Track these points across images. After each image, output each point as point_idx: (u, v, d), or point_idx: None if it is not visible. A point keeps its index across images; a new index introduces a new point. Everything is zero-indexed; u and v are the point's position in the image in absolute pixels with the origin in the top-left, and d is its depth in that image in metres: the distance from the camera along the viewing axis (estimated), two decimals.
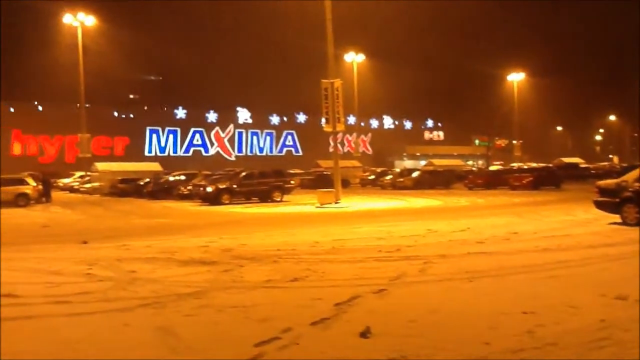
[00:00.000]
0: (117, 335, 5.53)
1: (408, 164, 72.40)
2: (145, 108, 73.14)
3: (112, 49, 53.61)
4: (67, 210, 25.69)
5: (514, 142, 68.40)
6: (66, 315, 6.32)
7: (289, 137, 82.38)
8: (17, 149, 63.82)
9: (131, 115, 72.14)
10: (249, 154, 78.32)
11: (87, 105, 48.47)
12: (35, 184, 29.47)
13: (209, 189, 26.75)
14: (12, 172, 35.87)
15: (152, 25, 73.24)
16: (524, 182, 34.02)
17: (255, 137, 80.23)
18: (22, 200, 27.75)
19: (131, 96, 77.20)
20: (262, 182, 27.92)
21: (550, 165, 46.31)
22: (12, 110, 62.30)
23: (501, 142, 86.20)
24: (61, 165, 57.96)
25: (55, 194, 34.45)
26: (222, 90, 72.71)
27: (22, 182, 29.22)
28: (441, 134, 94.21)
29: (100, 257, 10.30)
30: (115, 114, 70.15)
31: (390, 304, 6.55)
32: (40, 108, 66.00)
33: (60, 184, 45.77)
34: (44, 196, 30.50)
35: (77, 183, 44.32)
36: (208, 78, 73.38)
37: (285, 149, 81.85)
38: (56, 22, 47.46)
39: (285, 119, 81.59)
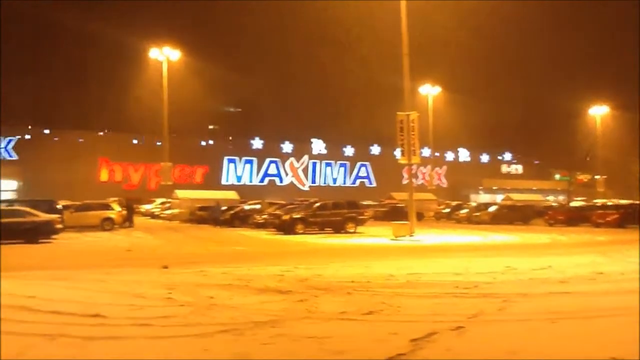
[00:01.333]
0: None
1: (484, 198, 70.75)
2: (230, 138, 75.54)
3: (194, 82, 55.83)
4: (149, 235, 26.71)
5: (597, 177, 65.54)
6: (149, 337, 6.53)
7: (363, 169, 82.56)
8: (104, 176, 67.33)
9: (211, 142, 74.75)
10: (322, 184, 79.01)
11: (173, 135, 50.76)
12: (119, 209, 30.95)
13: (284, 218, 27.13)
14: (99, 197, 37.95)
15: (233, 59, 75.83)
16: (608, 219, 32.44)
17: (329, 168, 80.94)
18: (107, 225, 29.20)
19: (211, 127, 79.91)
20: (335, 212, 28.04)
21: (637, 202, 43.98)
22: (100, 133, 66.14)
23: (583, 177, 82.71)
24: (144, 192, 60.51)
25: (137, 220, 35.92)
26: (297, 121, 74.19)
27: (108, 207, 30.80)
28: (519, 167, 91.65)
29: (180, 282, 10.61)
30: (199, 143, 72.91)
31: (469, 343, 6.37)
32: (134, 140, 69.58)
33: (142, 210, 47.70)
34: (127, 221, 31.90)
35: (158, 209, 46.05)
36: (284, 110, 75.11)
37: (358, 180, 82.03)
38: (143, 57, 50.08)
39: (359, 150, 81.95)
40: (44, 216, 22.46)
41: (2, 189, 57.11)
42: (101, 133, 67.55)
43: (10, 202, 28.87)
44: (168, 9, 65.46)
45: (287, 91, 76.75)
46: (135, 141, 69.13)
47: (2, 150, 63.45)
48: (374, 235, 25.52)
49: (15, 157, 63.20)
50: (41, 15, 73.11)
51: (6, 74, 58.67)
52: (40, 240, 21.43)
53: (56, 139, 65.07)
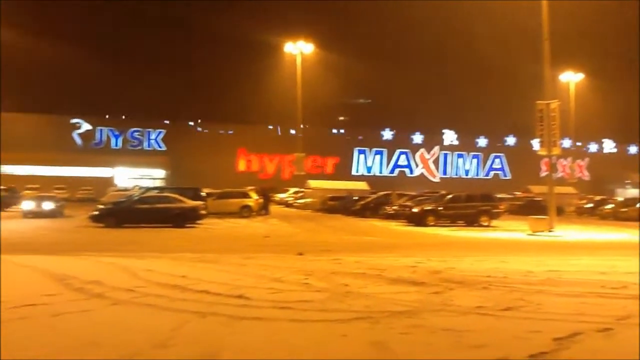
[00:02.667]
0: (335, 345, 5.86)
1: (632, 192, 65.30)
2: (360, 137, 76.11)
3: (326, 74, 56.86)
4: (284, 223, 27.75)
5: None
6: (289, 320, 6.85)
7: (497, 160, 79.54)
8: (242, 166, 70.88)
9: (342, 131, 75.93)
10: (453, 176, 77.25)
11: (306, 127, 52.23)
12: (257, 198, 32.45)
13: (415, 210, 26.95)
14: (237, 186, 40.05)
15: (365, 50, 76.29)
16: None
17: (460, 159, 78.93)
18: (245, 212, 30.78)
19: (341, 118, 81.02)
20: (469, 205, 27.35)
21: None
22: (230, 132, 69.69)
23: None
24: (278, 181, 62.83)
25: (272, 208, 37.41)
26: (428, 112, 73.05)
27: (246, 195, 32.43)
28: None
29: (315, 269, 10.97)
30: (328, 134, 74.38)
31: (617, 346, 6.01)
32: (269, 126, 72.68)
33: (277, 199, 49.57)
34: (264, 209, 33.36)
35: (292, 198, 47.59)
36: (415, 100, 74.24)
37: (492, 172, 79.19)
38: (279, 51, 51.86)
39: (493, 141, 79.04)
40: (190, 203, 24.16)
41: (153, 177, 62.25)
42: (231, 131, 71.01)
43: (160, 189, 31.32)
44: (303, 4, 67.09)
45: (417, 81, 75.79)
46: (270, 126, 71.84)
47: (153, 141, 68.95)
48: (509, 230, 24.59)
49: (163, 148, 68.42)
50: (183, 16, 78.22)
51: (156, 73, 63.60)
52: (187, 225, 23.10)
53: (206, 131, 69.51)
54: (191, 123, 70.64)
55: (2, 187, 37.31)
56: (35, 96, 63.63)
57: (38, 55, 62.38)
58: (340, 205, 36.51)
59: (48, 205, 28.76)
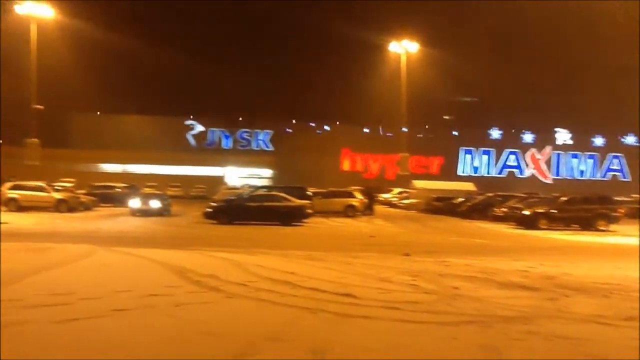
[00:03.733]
0: (444, 347, 5.81)
1: None
2: (466, 137, 74.37)
3: (430, 72, 55.98)
4: (388, 223, 27.68)
5: None
6: (397, 320, 6.87)
7: (615, 161, 74.74)
8: (346, 165, 71.53)
9: (454, 133, 74.56)
10: (567, 177, 73.48)
11: (409, 126, 51.79)
12: (361, 198, 32.61)
13: (526, 212, 25.93)
14: (341, 185, 40.46)
15: (470, 48, 74.25)
16: None
17: (575, 160, 74.92)
18: (350, 211, 31.03)
19: (446, 117, 79.47)
20: (584, 208, 25.89)
21: None
22: (326, 128, 70.47)
23: None
24: (382, 181, 62.76)
25: (377, 208, 37.41)
26: (539, 110, 69.92)
27: (351, 195, 32.68)
28: None
29: (422, 270, 10.88)
30: (435, 134, 73.30)
31: None
32: (365, 129, 72.84)
33: (381, 199, 49.50)
34: (368, 209, 33.44)
35: (396, 199, 47.34)
36: (525, 98, 71.35)
37: (609, 174, 74.51)
38: (384, 50, 51.72)
39: (610, 140, 74.31)
40: (297, 201, 24.72)
41: (261, 176, 64.34)
42: (338, 124, 71.79)
43: (269, 188, 32.28)
44: (408, 3, 66.53)
45: (527, 79, 72.75)
46: (374, 126, 71.88)
47: (261, 142, 71.28)
48: (629, 235, 23.01)
49: (271, 148, 70.54)
50: (288, 18, 79.88)
51: (265, 75, 65.52)
52: (294, 223, 23.66)
53: (319, 131, 70.97)
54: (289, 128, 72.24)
55: (123, 184, 40.01)
56: (154, 100, 67.81)
57: (157, 62, 66.38)
58: (446, 206, 35.83)
59: (155, 204, 28.40)
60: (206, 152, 68.87)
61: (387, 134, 66.37)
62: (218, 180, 59.18)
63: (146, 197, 29.36)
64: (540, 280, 10.05)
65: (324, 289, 8.58)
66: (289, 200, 24.49)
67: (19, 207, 28.03)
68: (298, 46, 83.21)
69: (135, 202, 28.43)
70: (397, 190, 49.99)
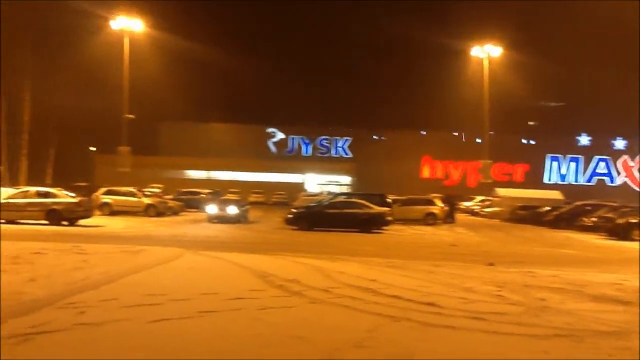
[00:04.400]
0: None
1: None
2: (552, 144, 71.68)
3: (514, 77, 54.36)
4: (470, 232, 27.07)
5: None
6: (484, 331, 6.71)
7: None
8: (426, 172, 70.64)
9: (532, 142, 72.04)
10: None
11: (492, 133, 50.57)
12: (442, 205, 32.09)
13: (619, 222, 24.63)
14: (421, 193, 39.96)
15: (556, 51, 71.46)
16: None
17: None
18: (430, 219, 30.60)
19: (531, 123, 76.84)
20: None
21: None
22: (423, 133, 69.72)
23: None
24: (463, 189, 61.49)
25: (458, 216, 36.67)
26: (633, 114, 66.14)
27: (431, 202, 32.23)
28: None
29: (508, 281, 10.57)
30: (520, 141, 71.12)
31: None
32: (454, 133, 71.73)
33: (462, 207, 48.45)
34: (449, 217, 32.85)
35: (478, 207, 46.18)
36: (616, 103, 67.72)
37: None
38: (465, 55, 50.72)
39: None
40: (376, 209, 24.67)
41: (340, 183, 64.71)
42: (423, 132, 70.97)
43: (348, 195, 32.37)
44: (491, 6, 64.91)
45: (618, 82, 69.07)
46: (455, 133, 70.73)
47: (340, 148, 71.70)
48: None
49: (350, 155, 70.80)
50: (367, 22, 79.94)
51: (343, 81, 65.92)
52: (373, 230, 23.61)
53: (383, 138, 70.71)
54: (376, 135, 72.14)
55: (207, 190, 41.34)
56: (238, 108, 69.72)
57: (240, 71, 68.21)
58: (531, 215, 34.60)
59: (232, 210, 27.47)
60: (286, 159, 70.02)
61: (472, 140, 64.87)
62: (298, 187, 60.00)
63: (223, 204, 28.58)
64: (635, 294, 9.53)
65: (407, 297, 8.52)
66: (369, 207, 24.48)
67: (111, 211, 29.58)
68: (378, 52, 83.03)
69: (212, 209, 27.85)
70: (479, 198, 48.78)
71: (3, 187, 34.06)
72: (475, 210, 45.73)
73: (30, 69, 45.16)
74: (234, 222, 26.58)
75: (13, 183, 40.38)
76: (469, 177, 67.74)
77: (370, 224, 23.77)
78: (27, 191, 24.00)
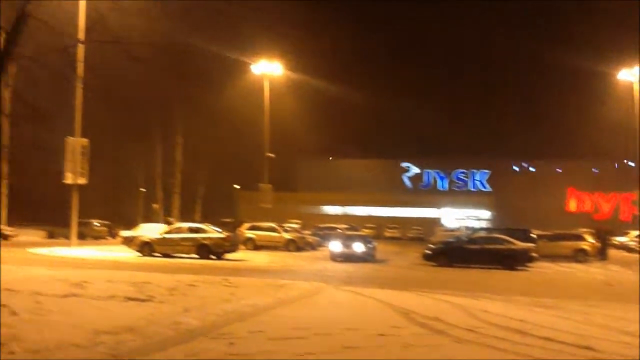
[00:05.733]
0: None
1: None
2: None
3: None
4: (627, 270, 24.84)
5: None
6: None
7: None
8: (572, 206, 66.28)
9: None
10: None
11: None
12: (592, 241, 29.87)
13: None
14: (566, 228, 37.50)
15: None
16: None
17: None
18: (580, 256, 28.55)
19: None
20: None
21: None
22: (559, 170, 65.73)
23: None
24: (616, 223, 56.86)
25: (610, 252, 33.87)
26: None
27: (581, 238, 30.12)
28: None
29: None
30: None
31: None
32: (594, 169, 67.05)
33: (615, 242, 44.70)
34: (600, 253, 30.44)
35: (634, 242, 42.35)
36: None
37: None
38: (611, 78, 47.44)
39: None
40: (520, 244, 23.53)
41: (478, 218, 62.69)
42: (567, 162, 66.80)
43: (489, 230, 31.24)
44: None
45: None
46: (595, 170, 65.96)
47: (477, 182, 69.65)
48: None
49: (488, 188, 68.49)
50: (502, 51, 77.67)
51: (478, 113, 64.25)
52: (517, 267, 22.48)
53: (525, 169, 67.59)
54: (515, 165, 69.23)
55: (344, 225, 41.90)
56: (372, 144, 70.65)
57: (373, 108, 69.32)
58: None
59: (359, 247, 25.05)
60: (422, 193, 69.30)
61: (624, 170, 59.99)
62: (434, 222, 59.02)
63: (348, 240, 26.33)
64: None
65: (560, 340, 7.98)
66: (512, 243, 23.42)
67: (255, 246, 30.95)
68: (514, 81, 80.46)
69: (335, 246, 25.55)
70: (634, 233, 44.71)
71: (158, 223, 37.09)
72: (631, 247, 41.94)
73: (181, 114, 49.20)
74: (360, 261, 24.25)
75: (167, 219, 43.79)
76: (623, 210, 62.52)
77: (513, 260, 22.70)
78: (180, 227, 25.89)
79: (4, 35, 5.76)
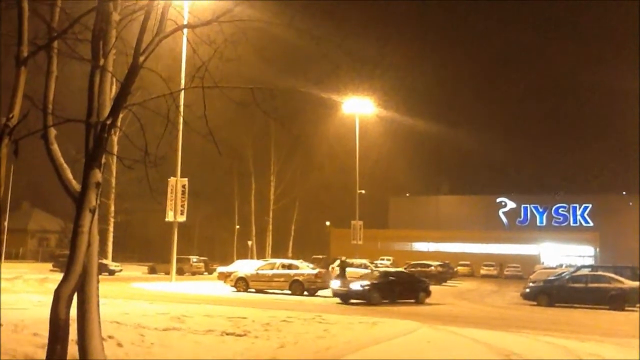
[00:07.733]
0: None
1: None
2: None
3: None
4: None
5: None
6: None
7: None
8: None
9: None
10: None
11: None
12: None
13: None
14: None
15: None
16: None
17: None
18: None
19: None
20: None
21: None
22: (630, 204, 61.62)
23: None
24: None
25: None
26: None
27: None
28: None
29: None
30: None
31: None
32: None
33: None
34: None
35: None
36: None
37: None
38: None
39: None
40: (629, 283, 21.98)
41: (581, 254, 59.31)
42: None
43: (593, 267, 29.45)
44: None
45: None
46: None
47: (579, 217, 66.07)
48: None
49: (590, 223, 64.76)
50: (597, 80, 74.29)
51: (577, 145, 61.27)
52: (626, 308, 20.98)
53: (630, 203, 63.41)
54: (625, 196, 65.22)
55: (437, 263, 40.98)
56: (465, 180, 69.35)
57: (465, 143, 68.19)
58: None
59: (355, 286, 20.80)
60: (519, 229, 66.59)
61: None
62: (532, 259, 56.49)
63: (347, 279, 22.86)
64: None
65: None
66: (620, 282, 21.92)
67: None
68: (614, 109, 76.41)
69: (335, 283, 22.21)
70: None
71: (252, 259, 37.95)
72: None
73: (274, 154, 50.52)
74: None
75: (260, 256, 44.72)
76: None
77: (622, 300, 21.19)
78: (273, 263, 26.29)
79: (118, 85, 6.26)
